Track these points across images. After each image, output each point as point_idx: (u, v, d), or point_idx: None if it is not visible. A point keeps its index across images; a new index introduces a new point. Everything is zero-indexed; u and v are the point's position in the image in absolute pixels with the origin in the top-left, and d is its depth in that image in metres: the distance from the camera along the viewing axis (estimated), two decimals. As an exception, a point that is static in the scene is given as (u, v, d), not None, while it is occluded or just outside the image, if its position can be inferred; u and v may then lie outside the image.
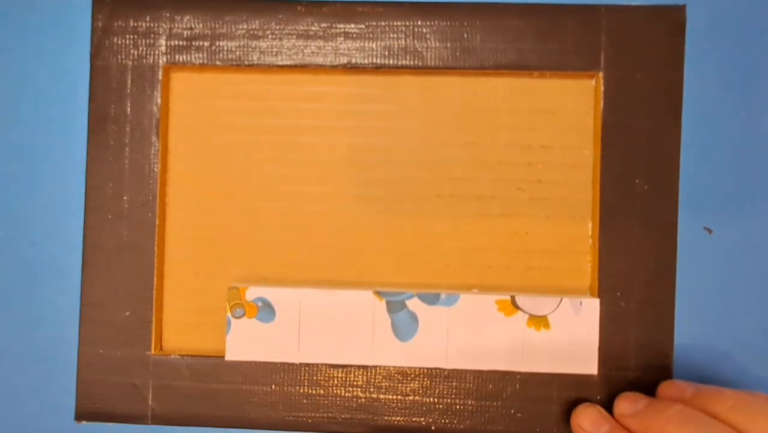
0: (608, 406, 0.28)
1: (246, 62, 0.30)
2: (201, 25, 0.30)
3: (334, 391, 0.29)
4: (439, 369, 0.29)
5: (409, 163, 0.30)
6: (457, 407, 0.29)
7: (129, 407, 0.29)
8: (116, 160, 0.30)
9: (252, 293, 0.29)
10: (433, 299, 0.29)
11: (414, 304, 0.29)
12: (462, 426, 0.29)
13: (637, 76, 0.29)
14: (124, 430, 0.30)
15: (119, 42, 0.30)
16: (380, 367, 0.29)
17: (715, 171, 0.30)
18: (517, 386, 0.29)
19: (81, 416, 0.29)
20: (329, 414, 0.29)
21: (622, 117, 0.29)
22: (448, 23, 0.29)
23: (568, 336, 0.28)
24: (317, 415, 0.29)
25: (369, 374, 0.29)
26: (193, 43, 0.30)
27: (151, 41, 0.30)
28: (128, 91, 0.30)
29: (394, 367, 0.29)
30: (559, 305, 0.28)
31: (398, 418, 0.29)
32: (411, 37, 0.30)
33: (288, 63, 0.30)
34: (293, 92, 0.30)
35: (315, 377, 0.29)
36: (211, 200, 0.31)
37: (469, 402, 0.29)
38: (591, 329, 0.29)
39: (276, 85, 0.31)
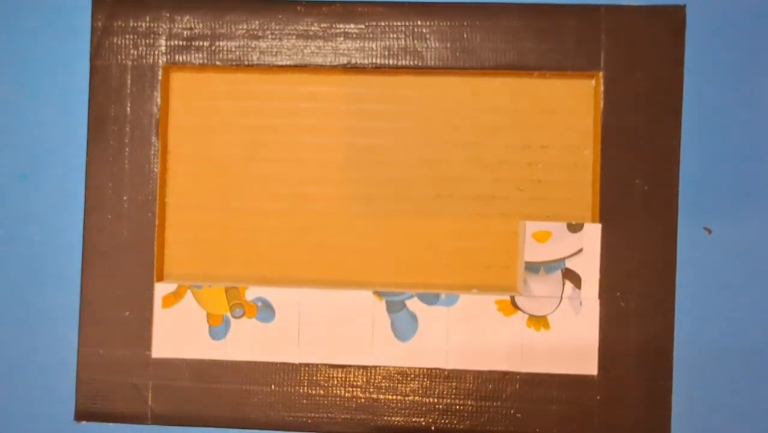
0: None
1: (246, 62, 0.30)
2: (201, 25, 0.30)
3: (334, 391, 0.29)
4: (439, 369, 0.29)
5: (409, 163, 0.30)
6: (457, 407, 0.29)
7: (129, 407, 0.29)
8: (116, 160, 0.30)
9: (252, 292, 0.29)
10: (433, 299, 0.29)
11: (414, 304, 0.29)
12: (462, 426, 0.29)
13: (637, 76, 0.29)
14: (124, 430, 0.30)
15: (119, 42, 0.30)
16: (380, 367, 0.29)
17: (715, 171, 0.30)
18: (517, 386, 0.29)
19: (81, 416, 0.29)
20: (329, 414, 0.29)
21: (622, 117, 0.29)
22: (448, 23, 0.29)
23: (568, 336, 0.28)
24: (317, 415, 0.29)
25: (369, 374, 0.29)
26: (193, 43, 0.30)
27: (151, 41, 0.30)
28: (128, 91, 0.30)
29: (394, 367, 0.29)
30: (559, 305, 0.28)
31: (398, 418, 0.29)
32: (411, 37, 0.30)
33: (288, 63, 0.30)
34: (293, 92, 0.30)
35: (315, 377, 0.29)
36: (211, 200, 0.31)
37: (469, 402, 0.29)
38: (591, 329, 0.28)
39: (276, 85, 0.30)
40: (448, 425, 0.29)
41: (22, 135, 0.31)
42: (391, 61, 0.30)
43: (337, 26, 0.30)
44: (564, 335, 0.28)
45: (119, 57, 0.30)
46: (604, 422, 0.29)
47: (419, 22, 0.29)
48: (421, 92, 0.30)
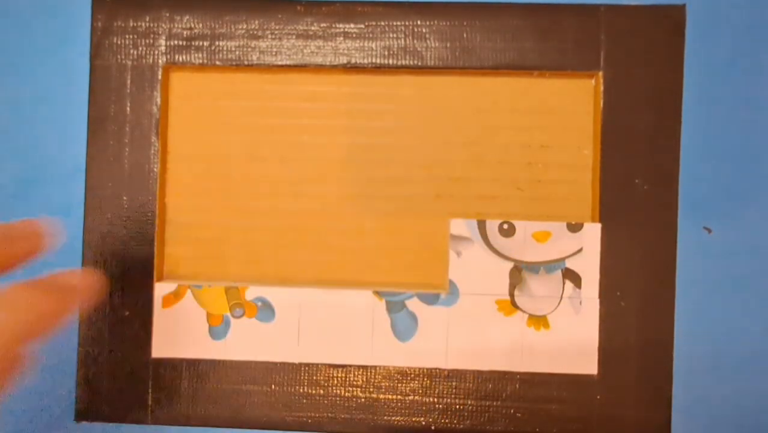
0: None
1: (246, 62, 0.30)
2: (200, 25, 0.30)
3: (334, 391, 0.29)
4: (439, 369, 0.29)
5: (409, 163, 0.30)
6: (457, 406, 0.29)
7: (128, 407, 0.29)
8: (116, 160, 0.30)
9: (252, 292, 0.29)
10: (433, 299, 0.29)
11: (413, 304, 0.29)
12: (462, 426, 0.29)
13: (637, 75, 0.29)
14: (124, 430, 0.30)
15: (119, 42, 0.30)
16: (380, 367, 0.29)
17: (715, 171, 0.30)
18: (517, 385, 0.29)
19: (81, 416, 0.29)
20: (329, 414, 0.29)
21: (622, 117, 0.29)
22: (448, 23, 0.29)
23: (568, 336, 0.28)
24: (317, 415, 0.29)
25: (369, 373, 0.29)
26: (193, 43, 0.30)
27: (151, 41, 0.30)
28: (128, 91, 0.30)
29: (394, 367, 0.29)
30: (558, 304, 0.28)
31: (398, 418, 0.29)
32: (411, 37, 0.30)
33: (287, 63, 0.30)
34: (293, 92, 0.30)
35: (315, 377, 0.29)
36: (211, 200, 0.31)
37: (469, 402, 0.29)
38: (591, 329, 0.29)
39: (276, 84, 0.30)
40: (448, 425, 0.29)
41: (22, 135, 0.31)
42: (391, 61, 0.30)
43: (337, 26, 0.30)
44: (564, 335, 0.28)
45: (119, 57, 0.30)
46: (604, 422, 0.29)
47: (419, 22, 0.29)
48: (421, 92, 0.30)
